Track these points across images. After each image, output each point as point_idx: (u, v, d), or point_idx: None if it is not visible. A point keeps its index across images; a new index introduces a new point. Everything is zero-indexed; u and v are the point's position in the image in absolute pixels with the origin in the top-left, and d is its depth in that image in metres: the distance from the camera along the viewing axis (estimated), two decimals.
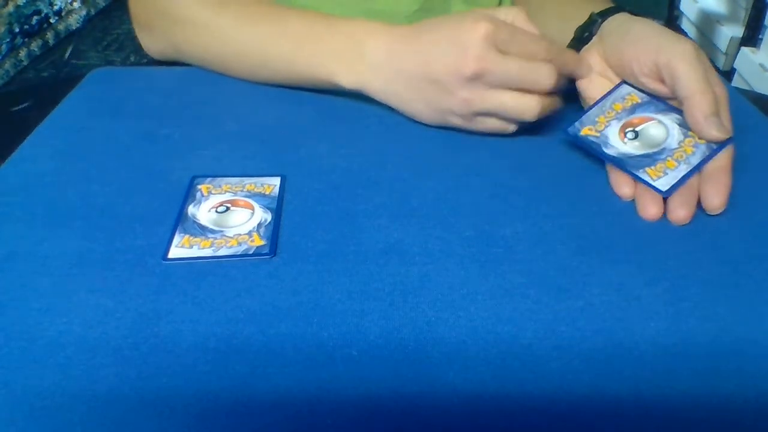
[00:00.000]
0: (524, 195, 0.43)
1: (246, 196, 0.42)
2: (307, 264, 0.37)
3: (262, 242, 0.38)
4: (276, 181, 0.44)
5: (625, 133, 0.42)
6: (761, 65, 1.77)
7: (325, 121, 0.52)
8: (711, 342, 0.32)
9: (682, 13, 2.34)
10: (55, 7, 2.62)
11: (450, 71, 0.44)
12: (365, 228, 0.40)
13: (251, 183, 0.44)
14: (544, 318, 0.33)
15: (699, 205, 0.42)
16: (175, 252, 0.38)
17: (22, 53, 2.39)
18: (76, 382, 0.30)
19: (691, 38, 2.27)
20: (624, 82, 0.46)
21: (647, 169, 0.40)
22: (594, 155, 0.43)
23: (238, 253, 0.37)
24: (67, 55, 2.11)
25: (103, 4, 3.01)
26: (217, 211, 0.41)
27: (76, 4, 2.77)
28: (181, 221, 0.40)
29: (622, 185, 0.42)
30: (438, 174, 0.45)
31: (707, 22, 2.17)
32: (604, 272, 0.36)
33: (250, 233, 0.39)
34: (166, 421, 0.28)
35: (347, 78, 0.50)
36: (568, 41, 0.51)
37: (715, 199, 0.40)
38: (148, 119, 0.52)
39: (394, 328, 0.33)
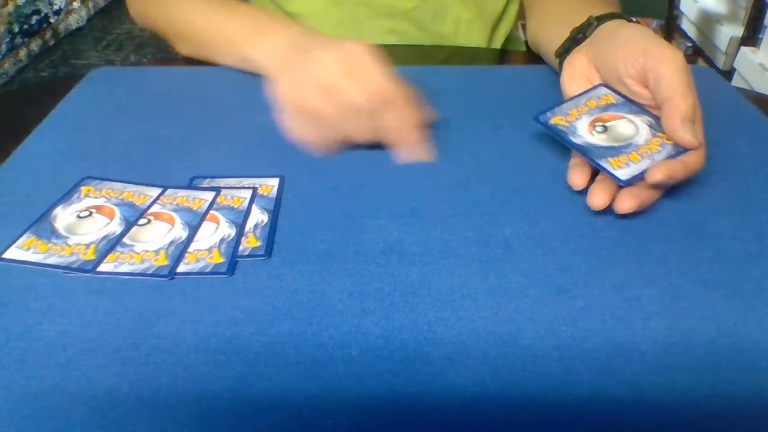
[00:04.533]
0: (524, 195, 0.43)
1: (117, 204, 0.41)
2: (307, 264, 0.37)
3: (93, 257, 0.36)
4: (154, 192, 0.42)
5: (594, 126, 0.42)
6: (761, 65, 1.77)
7: None
8: (711, 342, 0.32)
9: (682, 13, 2.34)
10: (55, 7, 2.62)
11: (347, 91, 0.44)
12: (365, 228, 0.40)
13: (131, 191, 0.42)
14: (544, 318, 0.33)
15: (699, 205, 0.42)
16: (12, 252, 0.36)
17: (22, 53, 2.39)
18: (76, 382, 0.30)
19: (691, 38, 2.27)
20: (602, 84, 0.46)
21: (610, 159, 0.40)
22: (561, 143, 0.43)
23: (63, 265, 0.36)
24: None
25: (103, 4, 3.01)
26: (78, 216, 0.39)
27: (76, 4, 2.77)
28: (39, 220, 0.39)
29: (577, 176, 0.42)
30: (438, 174, 0.45)
31: (707, 22, 2.17)
32: (604, 272, 0.36)
33: (88, 245, 0.37)
34: (166, 421, 0.28)
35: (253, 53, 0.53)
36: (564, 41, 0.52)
37: (627, 201, 0.39)
38: (148, 119, 0.52)
39: (394, 328, 0.33)
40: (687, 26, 2.35)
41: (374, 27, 0.72)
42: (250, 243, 0.38)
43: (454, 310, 0.34)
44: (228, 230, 0.39)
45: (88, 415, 0.28)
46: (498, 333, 0.32)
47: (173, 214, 0.40)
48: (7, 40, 2.30)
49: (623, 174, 0.38)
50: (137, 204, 0.41)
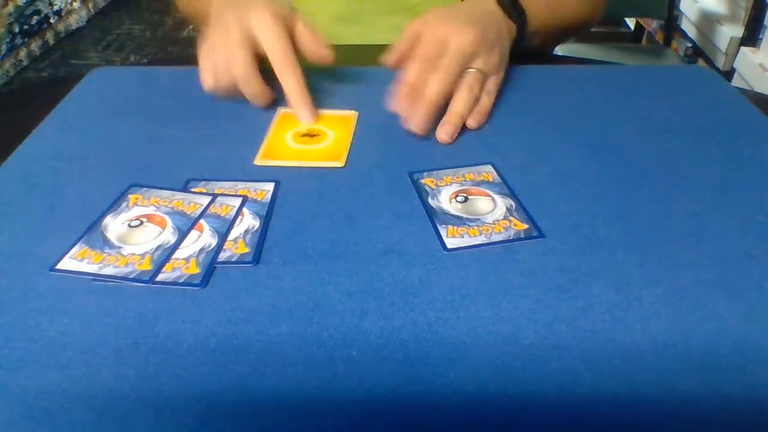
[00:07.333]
0: (524, 194, 0.43)
1: (167, 213, 0.40)
2: (307, 264, 0.37)
3: (149, 267, 0.36)
4: (203, 200, 0.41)
5: (457, 196, 0.43)
6: (761, 65, 1.77)
7: None
8: (711, 342, 0.32)
9: (682, 13, 2.34)
10: (55, 7, 2.62)
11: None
12: (365, 228, 0.40)
13: (180, 199, 0.41)
14: (544, 318, 0.33)
15: (699, 205, 0.42)
16: (65, 263, 0.36)
17: (22, 53, 2.39)
18: (76, 382, 0.30)
19: (691, 38, 2.27)
20: (491, 163, 0.46)
21: (450, 226, 0.40)
22: (419, 200, 0.43)
23: (119, 276, 0.35)
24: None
25: (103, 4, 3.01)
26: (130, 225, 0.39)
27: (76, 4, 2.77)
28: (90, 230, 0.39)
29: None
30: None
31: (707, 22, 2.17)
32: (604, 272, 0.36)
33: (143, 255, 0.37)
34: (166, 421, 0.28)
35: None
36: None
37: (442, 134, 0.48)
38: (148, 119, 0.52)
39: (394, 328, 0.33)
40: (687, 26, 2.35)
41: (379, 23, 0.72)
42: (238, 249, 0.37)
43: (454, 310, 0.34)
44: (210, 239, 0.38)
45: (88, 415, 0.28)
46: (498, 333, 0.32)
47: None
48: (7, 40, 2.30)
49: (451, 242, 0.38)
50: (188, 213, 0.40)
